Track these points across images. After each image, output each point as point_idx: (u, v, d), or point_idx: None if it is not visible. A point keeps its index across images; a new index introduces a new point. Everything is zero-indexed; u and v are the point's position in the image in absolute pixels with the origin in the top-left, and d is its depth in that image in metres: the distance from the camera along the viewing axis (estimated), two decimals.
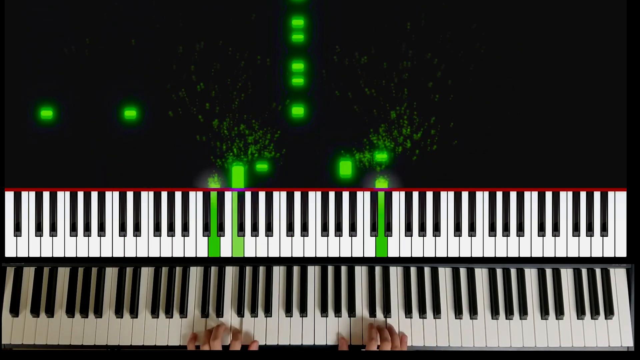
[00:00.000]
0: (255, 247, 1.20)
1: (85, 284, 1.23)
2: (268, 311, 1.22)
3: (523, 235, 1.20)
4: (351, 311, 1.22)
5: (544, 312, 1.22)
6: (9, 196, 1.19)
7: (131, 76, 1.17)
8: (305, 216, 1.20)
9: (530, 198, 1.20)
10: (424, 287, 1.23)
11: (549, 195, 1.20)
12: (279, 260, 1.23)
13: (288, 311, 1.22)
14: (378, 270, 1.25)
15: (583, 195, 1.20)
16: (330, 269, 1.25)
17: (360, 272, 1.25)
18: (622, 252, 1.20)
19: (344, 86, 1.18)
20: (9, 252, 1.20)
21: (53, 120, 1.17)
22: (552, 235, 1.20)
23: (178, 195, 1.20)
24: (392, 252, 1.20)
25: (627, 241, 1.20)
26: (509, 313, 1.22)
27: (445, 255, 1.20)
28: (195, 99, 1.18)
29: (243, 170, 1.19)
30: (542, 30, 1.17)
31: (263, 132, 1.18)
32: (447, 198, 1.20)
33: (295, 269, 1.25)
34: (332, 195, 1.20)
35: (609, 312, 1.21)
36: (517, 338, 1.21)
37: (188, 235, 1.20)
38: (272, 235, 1.20)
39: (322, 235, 1.20)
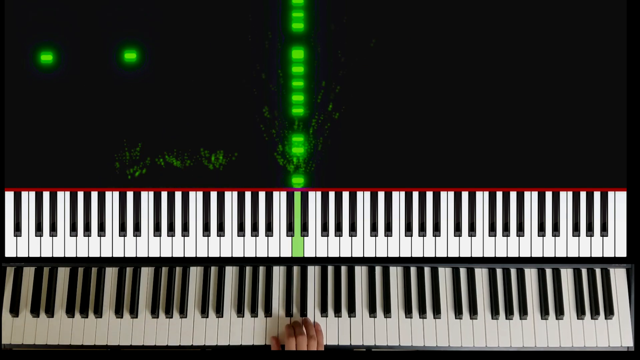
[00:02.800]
0: (255, 247, 1.20)
1: (85, 284, 1.23)
2: (268, 311, 1.22)
3: (523, 235, 1.20)
4: (351, 311, 1.22)
5: (544, 312, 1.22)
6: (9, 196, 1.19)
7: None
8: (306, 216, 1.20)
9: (530, 198, 1.20)
10: (424, 287, 1.23)
11: (549, 195, 1.20)
12: (279, 260, 1.23)
13: (288, 311, 1.22)
14: (378, 270, 1.25)
15: (583, 195, 1.20)
16: (330, 269, 1.25)
17: (360, 272, 1.25)
18: (622, 252, 1.20)
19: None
20: (9, 252, 1.20)
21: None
22: (552, 235, 1.20)
23: (178, 195, 1.20)
24: (392, 252, 1.20)
25: (627, 241, 1.20)
26: (509, 313, 1.22)
27: (445, 255, 1.20)
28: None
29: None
30: (543, 29, 1.17)
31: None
32: (447, 198, 1.20)
33: (295, 269, 1.25)
34: (332, 195, 1.20)
35: (609, 312, 1.21)
36: (517, 338, 1.21)
37: (188, 235, 1.20)
38: (272, 236, 1.20)
39: (322, 236, 1.20)
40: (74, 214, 1.20)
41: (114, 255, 1.20)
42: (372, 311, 1.21)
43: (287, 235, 1.20)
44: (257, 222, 1.20)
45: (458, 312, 1.22)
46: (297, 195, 1.20)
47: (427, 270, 1.25)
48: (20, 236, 1.20)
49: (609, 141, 1.18)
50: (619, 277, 1.24)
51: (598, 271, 1.25)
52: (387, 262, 1.24)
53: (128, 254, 1.20)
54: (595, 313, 1.21)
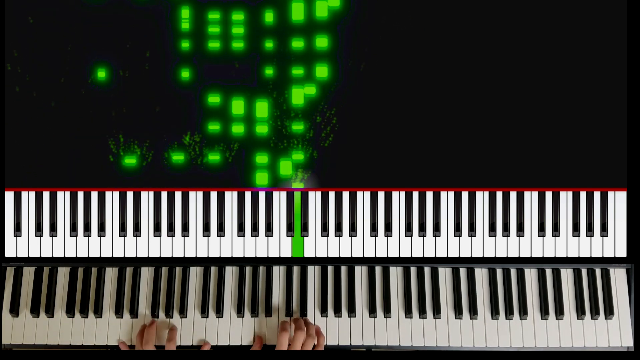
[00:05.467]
0: (255, 247, 1.20)
1: (85, 284, 1.23)
2: (268, 311, 1.22)
3: (523, 235, 1.20)
4: (351, 311, 1.22)
5: (544, 312, 1.22)
6: (9, 196, 1.19)
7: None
8: (306, 216, 1.20)
9: (530, 198, 1.20)
10: (424, 287, 1.23)
11: (549, 195, 1.20)
12: (279, 261, 1.23)
13: (288, 311, 1.22)
14: (378, 270, 1.25)
15: (583, 195, 1.20)
16: (330, 269, 1.25)
17: (360, 272, 1.25)
18: (622, 252, 1.20)
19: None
20: (9, 252, 1.20)
21: None
22: (552, 235, 1.20)
23: (178, 195, 1.20)
24: (392, 252, 1.20)
25: (627, 241, 1.20)
26: (509, 313, 1.22)
27: (445, 255, 1.20)
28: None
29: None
30: (543, 29, 1.17)
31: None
32: (447, 198, 1.20)
33: (295, 269, 1.25)
34: (332, 195, 1.20)
35: (609, 312, 1.21)
36: (517, 338, 1.21)
37: (188, 235, 1.20)
38: (272, 236, 1.20)
39: (322, 236, 1.20)
40: (74, 214, 1.20)
41: (114, 255, 1.20)
42: (372, 311, 1.21)
43: (287, 235, 1.20)
44: (257, 222, 1.20)
45: (458, 312, 1.22)
46: (297, 195, 1.20)
47: (427, 270, 1.25)
48: (20, 236, 1.20)
49: (609, 141, 1.18)
50: (619, 277, 1.24)
51: (598, 271, 1.25)
52: (387, 262, 1.24)
53: (128, 254, 1.20)
54: (595, 313, 1.21)
